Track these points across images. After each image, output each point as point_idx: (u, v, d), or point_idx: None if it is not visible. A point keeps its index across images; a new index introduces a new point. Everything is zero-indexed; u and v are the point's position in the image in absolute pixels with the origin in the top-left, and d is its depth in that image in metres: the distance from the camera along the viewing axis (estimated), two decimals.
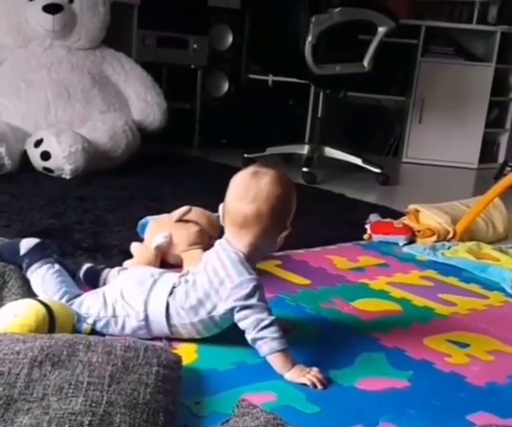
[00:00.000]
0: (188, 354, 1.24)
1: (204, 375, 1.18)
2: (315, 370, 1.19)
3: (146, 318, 1.27)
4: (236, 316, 1.23)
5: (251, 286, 1.22)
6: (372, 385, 1.21)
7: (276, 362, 1.20)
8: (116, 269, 1.55)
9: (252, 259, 1.28)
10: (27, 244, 1.46)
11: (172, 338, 1.29)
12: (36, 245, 1.45)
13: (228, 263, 1.25)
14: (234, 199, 1.27)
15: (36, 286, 1.39)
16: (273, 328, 1.20)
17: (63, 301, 1.32)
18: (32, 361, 0.98)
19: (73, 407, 0.92)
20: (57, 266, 1.42)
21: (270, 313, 1.22)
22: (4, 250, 1.47)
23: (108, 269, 1.54)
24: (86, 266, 1.55)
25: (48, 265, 1.41)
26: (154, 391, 1.00)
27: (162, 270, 1.38)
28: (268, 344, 1.20)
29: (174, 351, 1.18)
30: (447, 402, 1.18)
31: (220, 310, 1.24)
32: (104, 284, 1.50)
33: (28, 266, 1.42)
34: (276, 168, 1.31)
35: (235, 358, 1.25)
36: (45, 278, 1.38)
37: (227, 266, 1.25)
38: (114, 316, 1.28)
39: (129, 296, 1.29)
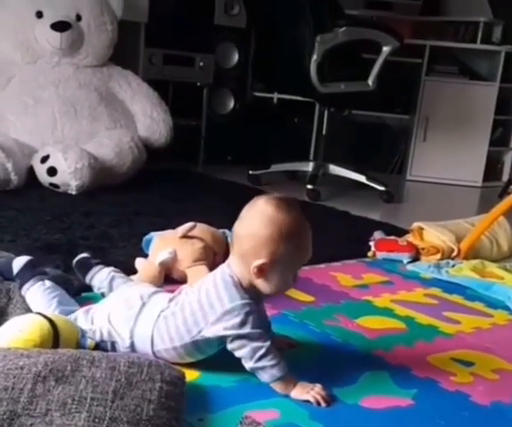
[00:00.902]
0: (191, 371, 1.23)
1: (207, 392, 1.18)
2: (318, 387, 1.19)
3: (131, 345, 1.25)
4: (230, 345, 1.20)
5: (243, 313, 1.18)
6: (376, 403, 1.21)
7: (279, 387, 1.19)
8: (108, 270, 1.56)
9: (249, 289, 1.21)
10: (18, 263, 1.46)
11: None
12: (27, 264, 1.46)
13: (222, 286, 1.21)
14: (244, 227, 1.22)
15: (30, 304, 1.39)
16: (270, 356, 1.18)
17: None
18: (36, 376, 0.98)
19: (76, 423, 0.92)
20: (48, 283, 1.41)
21: (265, 339, 1.19)
22: (1, 268, 1.48)
23: (100, 267, 1.56)
24: (81, 255, 1.57)
25: (39, 283, 1.41)
26: (157, 408, 1.00)
27: (152, 291, 1.34)
28: (267, 373, 1.18)
29: (177, 368, 1.18)
30: (451, 421, 1.18)
31: (206, 334, 1.20)
32: (90, 280, 1.53)
33: (21, 285, 1.42)
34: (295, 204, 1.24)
35: (238, 374, 1.24)
36: (37, 296, 1.39)
37: (219, 289, 1.20)
38: (102, 341, 1.27)
39: (116, 323, 1.27)
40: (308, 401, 1.17)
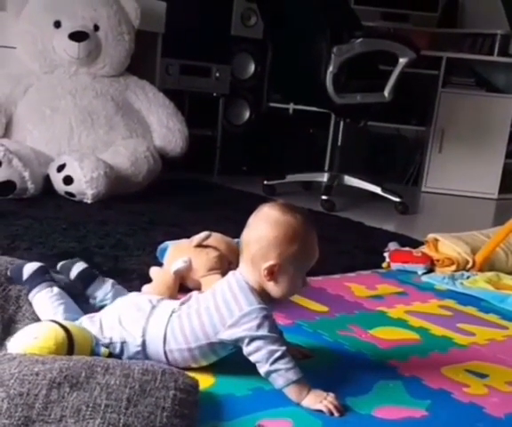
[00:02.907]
0: (204, 379, 1.24)
1: (220, 401, 1.18)
2: (331, 396, 1.18)
3: (143, 344, 1.25)
4: (247, 349, 1.20)
5: (260, 315, 1.20)
6: (390, 414, 1.20)
7: (293, 392, 1.19)
8: (111, 282, 1.55)
9: (261, 294, 1.24)
10: (29, 269, 1.46)
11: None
12: (38, 270, 1.46)
13: (238, 291, 1.23)
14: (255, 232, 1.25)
15: (36, 310, 1.40)
16: (286, 359, 1.19)
17: None
18: (51, 382, 0.99)
19: None
20: (56, 289, 1.42)
21: (281, 344, 1.20)
22: (12, 273, 1.48)
23: (102, 279, 1.55)
24: (83, 266, 1.56)
25: (47, 289, 1.41)
26: (170, 415, 1.01)
27: (160, 297, 1.36)
28: (283, 376, 1.18)
29: (191, 376, 1.18)
30: None
31: (223, 336, 1.22)
32: (93, 291, 1.52)
33: (29, 291, 1.42)
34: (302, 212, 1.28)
35: (252, 383, 1.24)
36: (43, 302, 1.39)
37: (236, 293, 1.23)
38: (111, 343, 1.27)
39: (127, 322, 1.28)
40: (320, 411, 1.17)
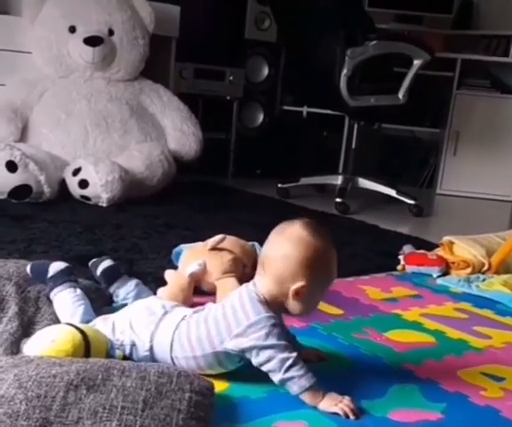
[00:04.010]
0: (219, 382, 1.24)
1: (236, 403, 1.19)
2: (347, 399, 1.18)
3: (151, 349, 1.26)
4: (257, 359, 1.20)
5: (268, 324, 1.19)
6: (405, 417, 1.20)
7: (308, 398, 1.19)
8: (135, 281, 1.58)
9: (274, 308, 1.23)
10: (55, 267, 1.48)
11: None
12: (64, 270, 1.48)
13: (247, 300, 1.23)
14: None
15: (56, 308, 1.41)
16: (298, 366, 1.18)
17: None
18: (68, 385, 0.99)
19: None
20: (79, 291, 1.44)
21: (291, 350, 1.20)
22: (34, 269, 1.50)
23: (126, 278, 1.58)
24: (109, 263, 1.59)
25: (70, 289, 1.43)
26: (186, 417, 1.01)
27: (175, 304, 1.37)
28: (297, 384, 1.18)
29: (207, 378, 1.18)
30: None
31: (228, 346, 1.21)
32: (116, 289, 1.54)
33: (52, 288, 1.44)
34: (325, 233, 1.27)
35: (267, 386, 1.24)
36: (65, 301, 1.41)
37: (245, 302, 1.22)
38: (121, 345, 1.28)
39: (137, 326, 1.29)
40: (336, 413, 1.17)
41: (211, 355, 1.23)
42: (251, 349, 1.20)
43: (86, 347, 1.20)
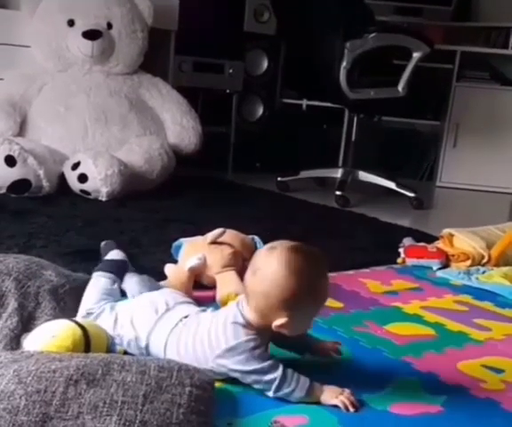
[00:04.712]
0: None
1: (236, 397, 1.19)
2: (347, 392, 1.18)
3: (146, 347, 1.27)
4: (244, 381, 1.19)
5: (247, 349, 1.17)
6: (405, 409, 1.20)
7: (308, 400, 1.18)
8: (143, 277, 1.57)
9: (260, 329, 1.20)
10: (114, 254, 1.58)
11: None
12: (118, 262, 1.55)
13: (230, 322, 1.19)
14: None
15: (89, 286, 1.45)
16: (286, 383, 1.16)
17: (92, 317, 1.36)
18: (68, 380, 0.99)
19: (107, 426, 0.93)
20: (115, 286, 1.48)
21: (276, 368, 1.17)
22: (103, 248, 1.65)
23: (134, 273, 1.58)
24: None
25: (110, 281, 1.47)
26: (187, 412, 1.01)
27: (180, 300, 1.36)
28: (291, 397, 1.17)
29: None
30: None
31: (213, 364, 1.20)
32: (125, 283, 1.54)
33: (99, 269, 1.50)
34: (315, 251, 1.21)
35: None
36: (96, 287, 1.45)
37: (227, 324, 1.19)
38: (121, 339, 1.29)
39: (137, 322, 1.29)
40: (336, 406, 1.17)
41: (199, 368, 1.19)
42: (234, 372, 1.19)
43: (86, 343, 1.20)
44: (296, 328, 1.21)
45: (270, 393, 1.18)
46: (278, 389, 1.17)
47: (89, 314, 1.36)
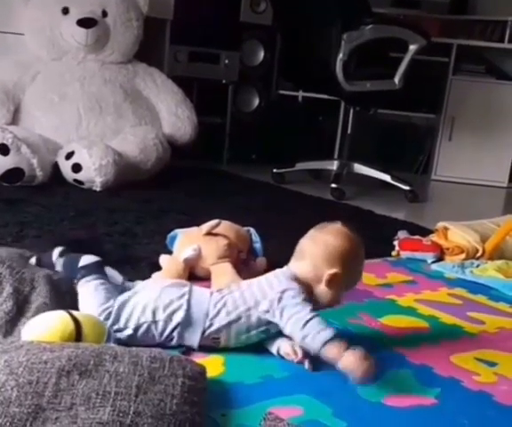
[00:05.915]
0: (215, 366, 1.24)
1: (230, 388, 1.19)
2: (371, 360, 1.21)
3: (187, 312, 1.29)
4: (286, 314, 1.27)
5: (297, 290, 1.29)
6: (400, 402, 1.20)
7: (331, 351, 1.22)
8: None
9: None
10: (86, 259, 1.49)
11: (200, 349, 1.29)
12: (95, 262, 1.49)
13: (281, 275, 1.34)
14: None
15: (86, 293, 1.40)
16: (319, 319, 1.25)
17: (104, 316, 1.32)
18: (60, 370, 0.98)
19: (101, 417, 0.93)
20: (108, 284, 1.43)
21: (313, 311, 1.28)
22: (65, 263, 1.52)
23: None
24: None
25: (102, 281, 1.43)
26: (180, 402, 1.01)
27: (189, 287, 1.38)
28: (321, 334, 1.22)
29: (198, 362, 1.18)
30: (475, 420, 1.17)
31: (263, 307, 1.29)
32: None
33: (83, 276, 1.44)
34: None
35: (262, 371, 1.25)
36: (97, 290, 1.40)
37: (279, 275, 1.34)
38: (154, 321, 1.29)
39: (169, 300, 1.31)
40: (330, 397, 1.16)
41: (244, 317, 1.29)
42: (279, 301, 1.28)
43: (77, 339, 1.17)
44: (338, 291, 1.34)
45: (303, 329, 1.24)
46: (312, 319, 1.25)
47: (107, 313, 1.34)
